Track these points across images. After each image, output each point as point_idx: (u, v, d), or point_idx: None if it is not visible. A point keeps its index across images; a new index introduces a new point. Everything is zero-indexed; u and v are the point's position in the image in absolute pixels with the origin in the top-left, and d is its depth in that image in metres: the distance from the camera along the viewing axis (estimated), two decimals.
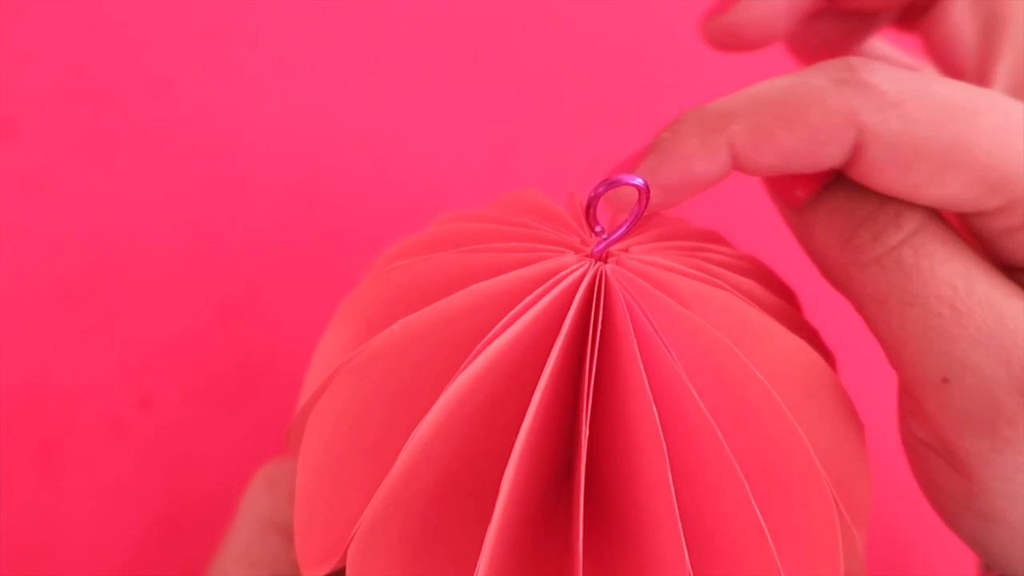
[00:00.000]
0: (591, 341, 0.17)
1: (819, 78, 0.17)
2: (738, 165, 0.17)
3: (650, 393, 0.16)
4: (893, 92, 0.16)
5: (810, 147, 0.16)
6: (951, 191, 0.16)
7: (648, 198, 0.17)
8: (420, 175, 0.40)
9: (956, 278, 0.16)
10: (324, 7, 0.43)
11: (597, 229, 0.18)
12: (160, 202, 0.39)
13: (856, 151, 0.16)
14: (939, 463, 0.18)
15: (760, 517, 0.16)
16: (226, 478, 0.34)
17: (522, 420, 0.17)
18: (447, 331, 0.18)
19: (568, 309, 0.17)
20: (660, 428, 0.16)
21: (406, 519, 0.18)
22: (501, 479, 0.17)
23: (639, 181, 0.17)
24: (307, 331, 0.37)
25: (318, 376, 0.20)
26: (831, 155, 0.16)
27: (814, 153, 0.17)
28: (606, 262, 0.18)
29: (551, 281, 0.17)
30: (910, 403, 0.18)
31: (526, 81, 0.43)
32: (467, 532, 0.18)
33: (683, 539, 0.16)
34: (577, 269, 0.18)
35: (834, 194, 0.18)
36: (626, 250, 0.19)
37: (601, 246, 0.18)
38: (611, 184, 0.17)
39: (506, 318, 0.17)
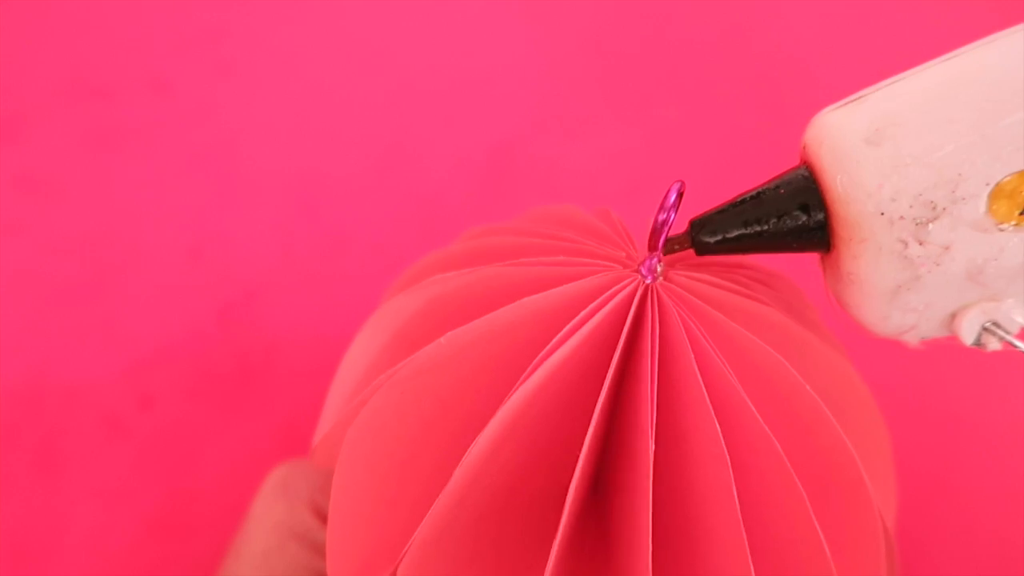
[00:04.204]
0: (651, 356, 0.17)
1: None
2: None
3: (711, 408, 0.16)
4: None
5: None
6: None
7: (680, 199, 0.17)
8: (420, 175, 0.40)
9: None
10: (324, 7, 0.43)
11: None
12: (160, 202, 0.39)
13: None
14: None
15: (820, 531, 0.16)
16: (225, 478, 0.34)
17: (575, 435, 0.17)
18: (495, 345, 0.17)
19: (623, 325, 0.17)
20: (724, 443, 0.16)
21: (458, 539, 0.17)
22: (552, 494, 0.17)
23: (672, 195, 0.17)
24: (306, 331, 0.37)
25: (350, 389, 0.20)
26: None
27: None
28: (653, 278, 0.18)
29: (604, 296, 0.17)
30: None
31: (526, 81, 0.43)
32: (519, 549, 0.18)
33: (748, 553, 0.16)
34: (628, 285, 0.17)
35: None
36: (671, 266, 0.19)
37: (652, 261, 0.18)
38: (673, 203, 0.17)
39: (561, 332, 0.17)
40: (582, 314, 0.17)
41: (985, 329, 0.17)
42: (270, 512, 0.25)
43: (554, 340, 0.17)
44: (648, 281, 0.18)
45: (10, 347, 0.35)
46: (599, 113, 0.43)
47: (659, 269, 0.18)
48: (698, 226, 0.17)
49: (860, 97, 0.17)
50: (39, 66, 0.40)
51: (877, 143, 0.16)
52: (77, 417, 0.34)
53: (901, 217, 0.15)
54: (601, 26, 0.45)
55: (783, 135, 0.44)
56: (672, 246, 0.18)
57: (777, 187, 0.17)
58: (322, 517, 0.24)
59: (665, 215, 0.17)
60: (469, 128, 0.42)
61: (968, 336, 0.17)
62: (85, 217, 0.38)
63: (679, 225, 0.18)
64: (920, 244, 0.16)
